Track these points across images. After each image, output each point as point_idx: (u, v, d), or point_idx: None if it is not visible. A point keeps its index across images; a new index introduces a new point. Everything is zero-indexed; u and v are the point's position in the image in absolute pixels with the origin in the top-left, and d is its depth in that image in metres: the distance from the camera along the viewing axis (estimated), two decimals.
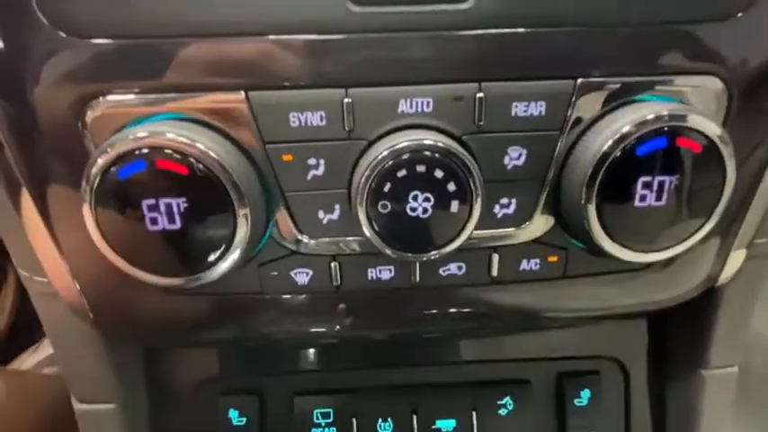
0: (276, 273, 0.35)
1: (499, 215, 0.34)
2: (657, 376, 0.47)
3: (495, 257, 0.35)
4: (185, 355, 0.45)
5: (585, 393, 0.45)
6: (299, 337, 0.40)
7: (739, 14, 0.30)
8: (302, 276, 0.35)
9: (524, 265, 0.36)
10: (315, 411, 0.45)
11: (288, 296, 0.36)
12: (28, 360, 0.95)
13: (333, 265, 0.35)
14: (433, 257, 0.32)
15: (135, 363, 0.43)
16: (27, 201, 0.33)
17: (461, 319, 0.39)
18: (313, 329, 0.39)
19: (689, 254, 0.37)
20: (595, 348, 0.46)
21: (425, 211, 0.30)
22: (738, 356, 0.44)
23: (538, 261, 0.36)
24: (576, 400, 0.45)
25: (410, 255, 0.31)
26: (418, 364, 0.46)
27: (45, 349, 0.99)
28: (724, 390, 0.44)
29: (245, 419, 0.44)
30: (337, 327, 0.39)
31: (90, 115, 0.30)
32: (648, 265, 0.37)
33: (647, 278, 0.38)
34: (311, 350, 0.46)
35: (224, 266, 0.31)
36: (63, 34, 0.28)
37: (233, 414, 0.44)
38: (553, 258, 0.36)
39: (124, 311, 0.37)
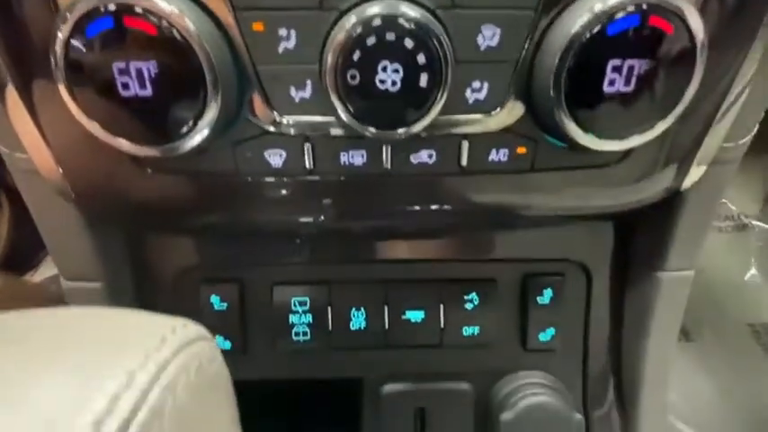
0: (250, 153, 0.36)
1: (470, 100, 0.34)
2: (618, 279, 0.49)
3: (465, 145, 0.36)
4: (169, 242, 0.47)
5: (548, 292, 0.48)
6: (274, 223, 0.41)
7: None
8: (276, 158, 0.36)
9: (493, 155, 0.36)
10: (293, 300, 0.47)
11: (263, 179, 0.37)
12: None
13: (306, 146, 0.35)
14: (402, 135, 0.32)
15: (119, 245, 0.45)
16: (2, 74, 0.33)
17: (432, 211, 0.40)
18: (288, 216, 0.41)
19: (655, 154, 0.37)
20: (562, 252, 0.48)
21: (394, 83, 0.30)
22: (695, 262, 0.46)
23: (507, 152, 0.36)
24: (538, 298, 0.48)
25: (379, 130, 0.32)
26: (391, 261, 0.48)
27: (44, 273, 1.02)
28: (679, 293, 0.47)
29: (225, 305, 0.47)
30: (312, 216, 0.40)
31: None
32: (615, 162, 0.38)
33: (615, 177, 0.39)
34: (290, 244, 0.48)
35: (197, 138, 0.32)
36: None
37: (214, 299, 0.47)
38: (522, 150, 0.36)
39: (105, 189, 0.38)
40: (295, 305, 0.47)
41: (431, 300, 0.47)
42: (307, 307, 0.47)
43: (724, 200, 1.31)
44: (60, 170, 0.37)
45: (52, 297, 0.82)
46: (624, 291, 0.49)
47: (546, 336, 0.49)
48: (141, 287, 0.47)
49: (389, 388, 0.50)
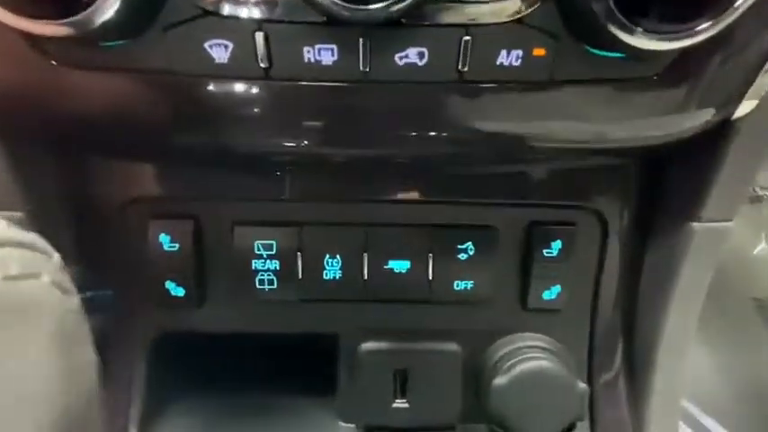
0: (186, 43, 0.28)
1: None
2: (639, 230, 0.42)
3: (467, 42, 0.28)
4: (110, 167, 0.39)
5: (556, 244, 0.41)
6: (220, 145, 0.33)
7: None
8: (219, 50, 0.28)
9: (503, 57, 0.28)
10: (256, 243, 0.40)
11: (204, 80, 0.29)
12: None
13: (257, 36, 0.27)
14: (381, 13, 0.24)
15: (44, 168, 0.37)
16: None
17: (420, 135, 0.32)
18: (237, 136, 0.33)
19: (704, 66, 0.29)
20: (575, 196, 0.41)
21: None
22: (735, 212, 0.38)
23: (519, 53, 0.28)
24: (545, 251, 0.41)
25: (348, 5, 0.24)
26: (372, 201, 0.41)
27: None
28: (713, 248, 0.39)
29: (177, 246, 0.40)
30: (268, 134, 0.33)
31: None
32: (658, 75, 0.30)
33: (656, 95, 0.30)
34: (254, 176, 0.40)
35: (102, 13, 0.24)
36: None
37: (164, 239, 0.40)
38: (539, 51, 0.28)
39: (10, 91, 0.31)
40: (259, 249, 0.40)
41: (418, 248, 0.40)
42: (273, 251, 0.40)
43: None
44: None
45: None
46: (646, 245, 0.42)
47: (551, 294, 0.42)
48: (74, 223, 0.40)
49: (367, 346, 0.43)
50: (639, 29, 0.25)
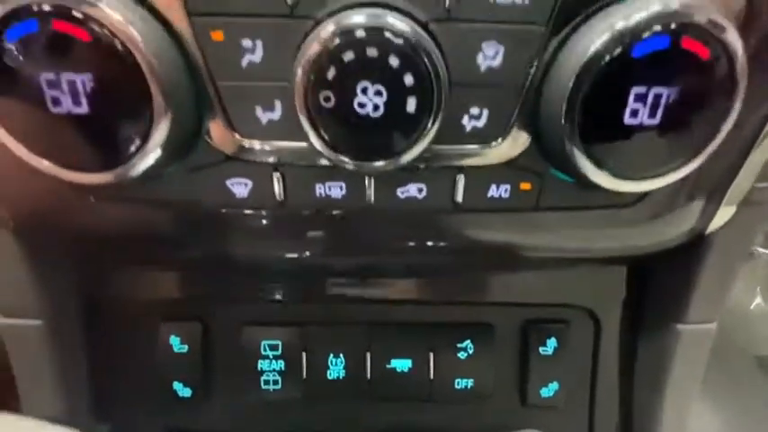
0: (211, 181, 0.31)
1: (468, 128, 0.29)
2: (631, 329, 0.44)
3: (461, 180, 0.31)
4: (124, 273, 0.41)
5: (552, 342, 0.43)
6: (241, 259, 0.36)
7: None
8: (240, 188, 0.31)
9: (493, 191, 0.31)
10: (263, 343, 0.42)
11: (227, 210, 0.32)
12: None
13: (275, 175, 0.30)
14: (384, 168, 0.27)
15: (65, 278, 0.40)
16: None
17: (420, 250, 0.35)
18: (257, 252, 0.35)
19: (677, 193, 0.33)
20: (567, 296, 0.43)
21: (377, 108, 0.25)
22: (718, 313, 0.41)
23: (508, 188, 0.31)
24: (541, 348, 0.43)
25: (357, 162, 0.27)
26: (375, 301, 0.43)
27: None
28: (699, 347, 0.41)
29: (186, 347, 0.42)
30: (283, 251, 0.35)
31: None
32: (632, 203, 0.33)
33: (630, 218, 0.34)
34: (261, 279, 0.42)
35: (141, 165, 0.27)
36: None
37: (174, 341, 0.42)
38: (526, 186, 0.32)
39: (45, 218, 0.33)
40: (265, 349, 0.42)
41: (419, 347, 0.42)
42: (278, 351, 0.42)
43: None
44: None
45: None
46: (637, 342, 0.44)
47: (548, 391, 0.43)
48: (89, 326, 0.41)
49: None
50: (611, 175, 0.28)
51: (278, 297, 0.42)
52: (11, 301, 0.38)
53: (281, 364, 0.42)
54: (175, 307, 0.42)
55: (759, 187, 0.35)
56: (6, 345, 0.39)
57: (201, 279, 0.42)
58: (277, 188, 0.31)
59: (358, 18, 0.24)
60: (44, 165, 0.27)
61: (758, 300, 1.26)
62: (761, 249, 1.28)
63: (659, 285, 0.41)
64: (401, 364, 0.42)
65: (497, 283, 0.42)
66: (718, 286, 0.39)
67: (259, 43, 0.26)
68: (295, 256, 0.36)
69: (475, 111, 0.29)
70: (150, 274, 0.41)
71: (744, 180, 0.33)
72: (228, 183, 0.31)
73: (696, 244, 0.37)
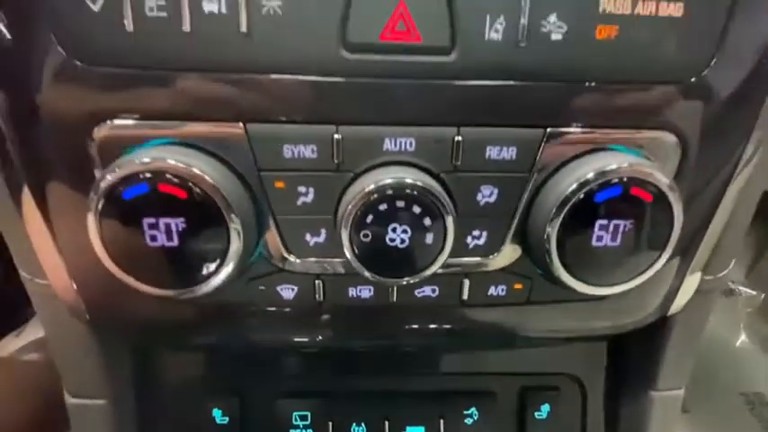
0: (264, 287, 0.38)
1: (471, 245, 0.37)
2: (613, 394, 0.51)
3: (466, 283, 0.39)
4: (172, 355, 0.48)
5: (545, 407, 0.49)
6: (282, 344, 0.43)
7: (699, 76, 0.34)
8: (288, 292, 0.38)
9: (492, 290, 0.39)
10: (294, 414, 0.48)
11: (274, 309, 0.39)
12: (10, 345, 0.95)
13: (317, 282, 0.38)
14: (407, 283, 0.35)
15: (125, 361, 0.46)
16: (33, 209, 0.36)
17: (434, 335, 0.42)
18: (295, 338, 0.42)
19: (643, 287, 0.40)
20: (558, 366, 0.50)
21: (403, 241, 0.33)
22: (684, 381, 0.48)
23: (504, 287, 0.39)
24: (536, 413, 0.49)
25: (387, 279, 0.34)
26: (392, 373, 0.49)
27: (29, 335, 0.99)
28: (670, 410, 0.48)
29: (227, 419, 0.47)
30: (318, 337, 0.42)
31: (98, 133, 0.33)
32: (605, 297, 0.41)
33: (605, 306, 0.41)
34: (293, 356, 0.49)
35: (215, 282, 0.34)
36: (78, 63, 0.31)
37: (216, 413, 0.47)
38: (518, 286, 0.39)
39: (119, 314, 0.40)
40: (296, 419, 0.48)
41: (431, 414, 0.48)
42: (308, 421, 0.48)
43: None
44: (80, 298, 0.38)
45: (31, 368, 0.79)
46: (619, 407, 0.50)
47: None
48: (144, 402, 0.47)
49: None
50: (583, 283, 0.36)
51: (306, 372, 0.49)
52: (80, 384, 0.44)
53: None
54: (218, 382, 0.48)
55: (706, 279, 0.43)
56: (71, 420, 0.45)
57: (241, 360, 0.48)
58: (318, 292, 0.38)
59: (388, 178, 0.32)
60: (136, 284, 0.34)
61: (743, 337, 1.32)
62: (741, 288, 1.36)
63: (633, 357, 0.49)
64: (415, 431, 0.48)
65: (498, 356, 0.49)
66: (682, 358, 0.46)
67: (311, 189, 0.34)
68: (324, 340, 0.42)
69: (476, 233, 0.37)
70: (196, 355, 0.48)
71: (693, 276, 0.41)
72: (278, 288, 0.38)
73: (661, 324, 0.44)
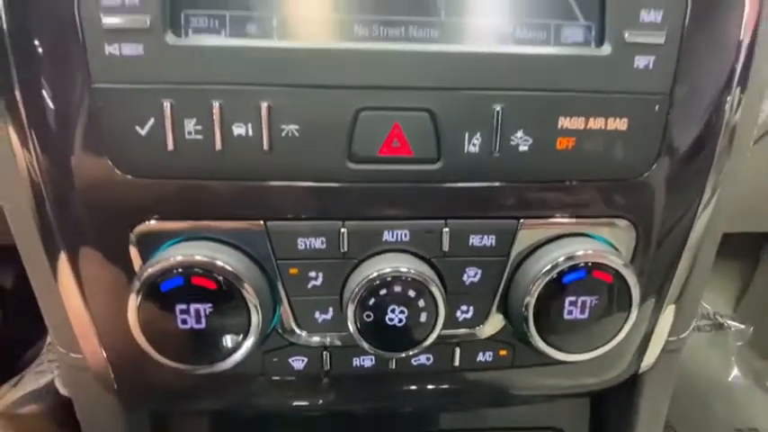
0: (277, 359, 0.42)
1: (460, 319, 0.42)
2: None
3: (457, 351, 0.44)
4: (186, 420, 0.51)
5: None
6: (291, 409, 0.47)
7: (644, 174, 0.40)
8: (299, 363, 0.43)
9: (480, 357, 0.44)
10: None
11: (284, 377, 0.44)
12: (7, 396, 0.96)
13: (324, 354, 0.43)
14: (405, 355, 0.40)
15: (143, 425, 0.49)
16: (76, 293, 0.41)
17: (428, 397, 0.47)
18: (303, 403, 0.47)
19: (615, 350, 0.46)
20: (544, 420, 0.54)
21: (401, 321, 0.38)
22: (660, 429, 0.52)
23: (491, 354, 0.44)
24: None
25: (387, 353, 0.40)
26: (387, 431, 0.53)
27: (26, 385, 1.00)
28: None
29: None
30: (322, 401, 0.46)
31: (139, 229, 0.38)
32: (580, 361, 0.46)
33: (582, 368, 0.46)
34: (299, 420, 0.53)
35: (236, 357, 0.39)
36: (127, 176, 0.37)
37: None
38: (503, 352, 0.44)
39: (143, 384, 0.44)
40: None
41: None
42: None
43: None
44: (110, 371, 0.43)
45: (31, 420, 0.80)
46: None
47: None
48: None
49: None
50: (557, 351, 0.41)
51: None
52: None
53: None
54: None
55: (670, 340, 0.48)
56: None
57: (249, 422, 0.52)
58: (325, 362, 0.43)
59: (388, 267, 0.38)
60: (167, 361, 0.38)
61: (735, 371, 1.34)
62: (730, 322, 1.39)
63: (614, 411, 0.53)
64: None
65: (490, 412, 0.54)
66: (654, 411, 0.51)
67: (320, 274, 0.40)
68: (327, 405, 0.46)
69: (464, 308, 0.42)
70: (209, 418, 0.51)
71: (658, 338, 0.47)
72: (290, 359, 0.43)
73: (635, 380, 0.49)
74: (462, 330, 0.43)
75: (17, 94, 0.35)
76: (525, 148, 0.38)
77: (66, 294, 0.41)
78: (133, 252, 0.39)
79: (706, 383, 1.26)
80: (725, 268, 1.30)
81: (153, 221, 0.38)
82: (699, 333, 1.36)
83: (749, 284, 1.29)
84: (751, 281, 1.28)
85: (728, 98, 0.39)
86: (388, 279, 0.38)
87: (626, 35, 0.37)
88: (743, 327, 1.31)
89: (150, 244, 0.38)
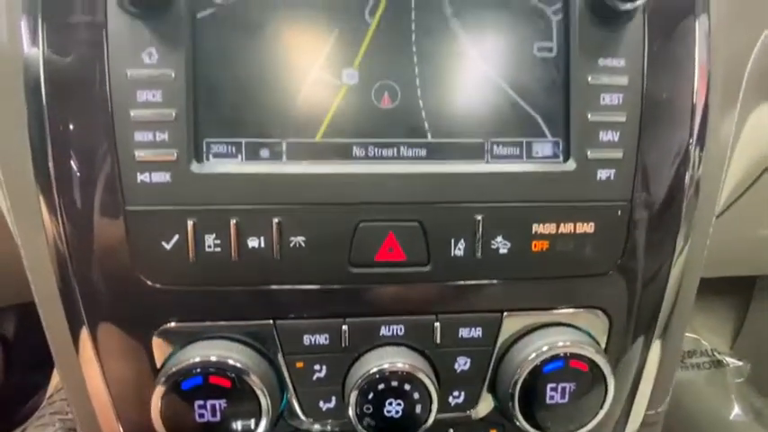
0: None
1: (452, 403, 0.46)
2: None
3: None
4: None
5: None
6: None
7: (611, 270, 0.45)
8: None
9: None
10: None
11: None
12: None
13: None
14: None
15: None
16: (100, 384, 0.44)
17: None
18: None
19: (595, 429, 0.49)
20: None
21: (398, 412, 0.42)
22: None
23: None
24: None
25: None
26: None
27: None
28: None
29: None
30: None
31: (160, 329, 0.43)
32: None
33: None
34: None
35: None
36: (152, 284, 0.41)
37: None
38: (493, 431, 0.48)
39: None
40: None
41: None
42: None
43: (697, 336, 1.40)
44: None
45: None
46: None
47: None
48: None
49: None
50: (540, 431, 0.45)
51: None
52: None
53: None
54: None
55: (649, 414, 0.52)
56: None
57: None
58: None
59: (385, 364, 0.42)
60: None
61: (736, 409, 1.34)
62: (728, 359, 1.40)
63: None
64: None
65: None
66: None
67: (324, 367, 0.44)
68: None
69: (456, 393, 0.46)
70: None
71: (636, 414, 0.50)
72: None
73: None
74: (455, 414, 0.46)
75: (60, 215, 0.40)
76: (505, 250, 0.43)
77: (91, 383, 0.45)
78: (156, 347, 0.43)
79: (708, 422, 1.26)
80: (719, 305, 1.32)
81: (173, 323, 0.42)
82: (698, 371, 1.37)
83: (744, 321, 1.31)
84: (745, 317, 1.30)
85: (685, 196, 0.45)
86: (386, 374, 0.42)
87: (588, 153, 0.42)
88: (740, 364, 1.33)
89: (171, 342, 0.42)
